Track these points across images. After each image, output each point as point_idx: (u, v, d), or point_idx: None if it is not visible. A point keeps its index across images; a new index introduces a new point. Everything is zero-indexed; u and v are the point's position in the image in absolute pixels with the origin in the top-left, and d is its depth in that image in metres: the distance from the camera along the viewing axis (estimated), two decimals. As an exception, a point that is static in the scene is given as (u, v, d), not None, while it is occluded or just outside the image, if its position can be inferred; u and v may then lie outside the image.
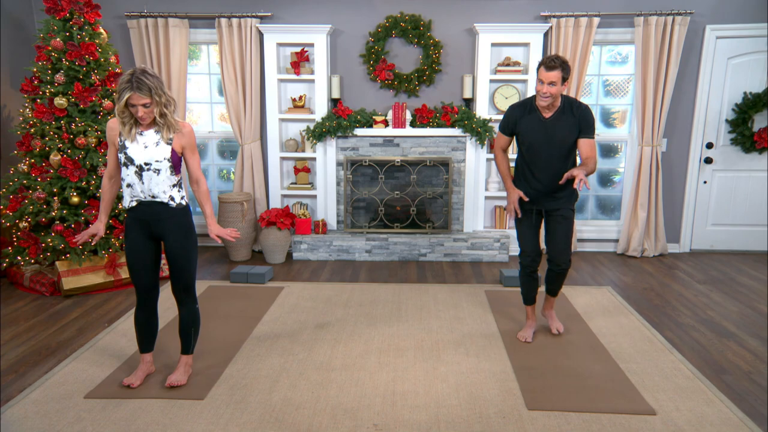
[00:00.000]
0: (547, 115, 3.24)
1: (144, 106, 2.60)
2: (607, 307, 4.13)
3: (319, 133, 5.30)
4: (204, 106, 5.86)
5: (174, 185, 2.80)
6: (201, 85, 5.81)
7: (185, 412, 2.74)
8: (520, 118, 3.30)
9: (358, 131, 5.35)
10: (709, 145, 5.52)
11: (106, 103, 4.53)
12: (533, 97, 3.31)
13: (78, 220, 4.37)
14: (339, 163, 5.48)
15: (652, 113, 5.27)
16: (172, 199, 2.80)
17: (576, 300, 4.27)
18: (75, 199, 4.36)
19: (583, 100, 5.55)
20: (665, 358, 3.32)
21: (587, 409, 2.77)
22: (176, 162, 2.79)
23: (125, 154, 2.70)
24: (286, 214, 5.33)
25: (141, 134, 2.71)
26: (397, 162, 5.37)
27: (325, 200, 5.56)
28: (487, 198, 5.58)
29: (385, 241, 5.42)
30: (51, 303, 4.22)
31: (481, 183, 5.45)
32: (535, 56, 5.21)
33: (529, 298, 3.60)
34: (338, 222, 5.61)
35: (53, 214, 4.32)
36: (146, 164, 2.70)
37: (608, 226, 5.79)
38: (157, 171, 2.72)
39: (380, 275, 4.96)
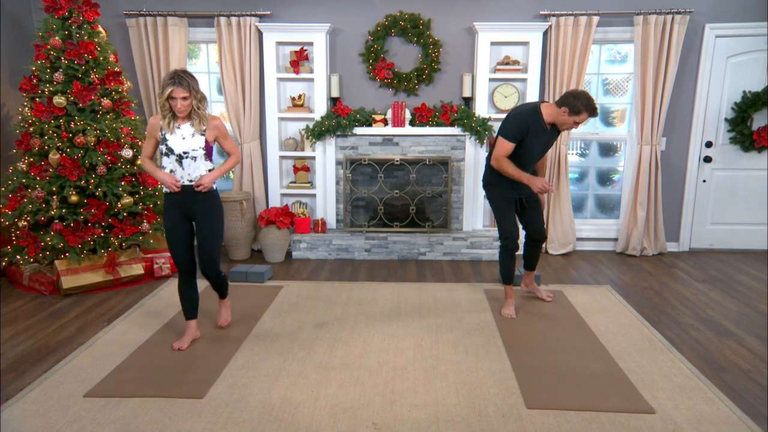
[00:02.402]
0: (548, 125, 3.73)
1: (183, 99, 3.09)
2: (607, 306, 4.13)
3: (318, 132, 5.29)
4: (203, 105, 5.85)
5: (209, 170, 3.26)
6: (200, 84, 5.77)
7: (184, 410, 2.75)
8: (531, 128, 3.66)
9: (358, 130, 5.34)
10: (709, 144, 5.52)
11: (105, 101, 4.52)
12: (537, 107, 3.65)
13: (77, 219, 4.37)
14: (338, 162, 5.48)
15: (651, 112, 5.27)
16: None
17: (575, 299, 4.27)
18: (74, 198, 4.35)
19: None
20: (664, 357, 3.32)
21: (586, 408, 2.77)
22: (209, 150, 3.26)
23: (166, 145, 3.18)
24: (286, 213, 5.32)
25: (178, 128, 3.19)
26: (397, 161, 5.36)
27: (325, 199, 5.56)
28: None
29: (384, 240, 5.42)
30: (50, 302, 4.22)
31: (481, 182, 5.44)
32: (535, 55, 5.21)
33: (509, 278, 3.98)
34: (338, 221, 5.61)
35: (52, 212, 4.32)
36: (185, 153, 3.18)
37: (607, 225, 5.79)
38: (194, 158, 3.21)
39: (379, 274, 4.96)
